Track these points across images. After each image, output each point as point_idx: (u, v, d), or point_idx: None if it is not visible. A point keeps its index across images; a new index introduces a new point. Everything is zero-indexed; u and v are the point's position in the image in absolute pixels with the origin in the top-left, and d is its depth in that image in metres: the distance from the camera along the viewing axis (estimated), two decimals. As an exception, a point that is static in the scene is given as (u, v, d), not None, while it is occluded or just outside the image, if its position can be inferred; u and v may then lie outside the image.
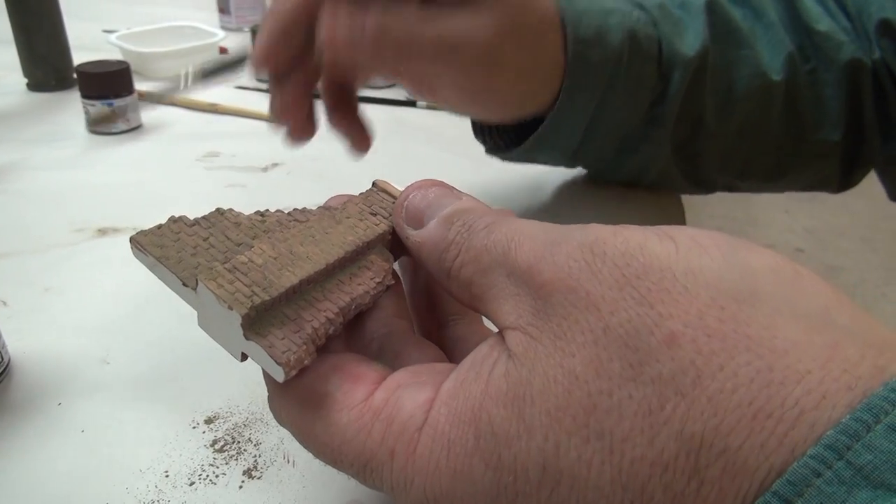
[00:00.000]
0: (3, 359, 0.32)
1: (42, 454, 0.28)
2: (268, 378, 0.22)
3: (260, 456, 0.28)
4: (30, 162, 0.54)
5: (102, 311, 0.37)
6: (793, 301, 0.16)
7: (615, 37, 0.39)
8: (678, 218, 0.50)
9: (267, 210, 0.24)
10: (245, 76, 0.75)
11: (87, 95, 0.59)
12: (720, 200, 2.09)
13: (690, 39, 0.42)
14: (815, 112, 0.44)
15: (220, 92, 0.71)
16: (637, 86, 0.40)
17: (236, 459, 0.28)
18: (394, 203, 0.25)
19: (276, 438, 0.29)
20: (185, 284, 0.21)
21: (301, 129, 0.39)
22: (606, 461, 0.16)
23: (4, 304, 0.37)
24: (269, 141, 0.60)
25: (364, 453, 0.19)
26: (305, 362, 0.19)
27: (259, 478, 0.27)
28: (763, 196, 2.20)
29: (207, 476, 0.27)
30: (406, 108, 0.68)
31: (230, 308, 0.19)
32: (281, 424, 0.22)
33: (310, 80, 0.37)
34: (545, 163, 0.48)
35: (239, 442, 0.29)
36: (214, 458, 0.28)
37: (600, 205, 0.50)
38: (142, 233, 0.22)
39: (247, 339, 0.19)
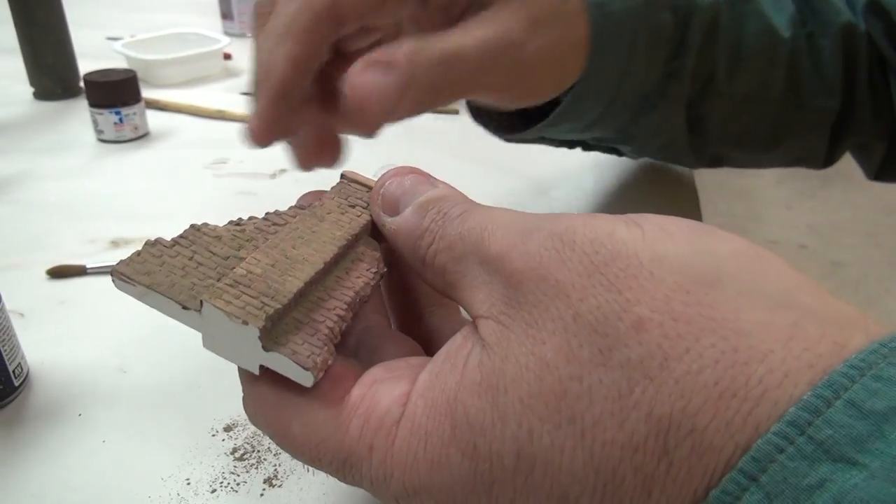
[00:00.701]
0: (22, 369, 0.32)
1: (65, 464, 0.28)
2: (244, 379, 0.22)
3: (280, 465, 0.28)
4: (39, 171, 0.55)
5: (118, 322, 0.37)
6: (756, 283, 0.17)
7: None
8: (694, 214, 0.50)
9: (240, 218, 0.24)
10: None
11: (94, 104, 0.59)
12: (721, 196, 2.10)
13: None
14: (814, 77, 0.43)
15: (226, 98, 0.71)
16: (656, 38, 0.38)
17: (256, 468, 0.28)
18: (368, 192, 0.25)
19: (296, 446, 0.29)
20: (185, 308, 0.20)
21: (329, 160, 0.34)
22: (578, 445, 0.16)
23: (21, 315, 0.37)
24: (277, 147, 0.60)
25: (342, 450, 0.19)
26: (329, 362, 0.20)
27: (280, 486, 0.27)
28: (765, 192, 2.20)
29: (229, 484, 0.27)
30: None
31: (245, 323, 0.19)
32: (257, 427, 0.22)
33: (327, 124, 0.33)
34: (556, 137, 0.45)
35: (258, 451, 0.29)
36: (235, 466, 0.28)
37: (613, 207, 0.50)
38: (122, 263, 0.21)
39: (266, 350, 0.19)
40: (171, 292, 0.20)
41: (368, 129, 0.30)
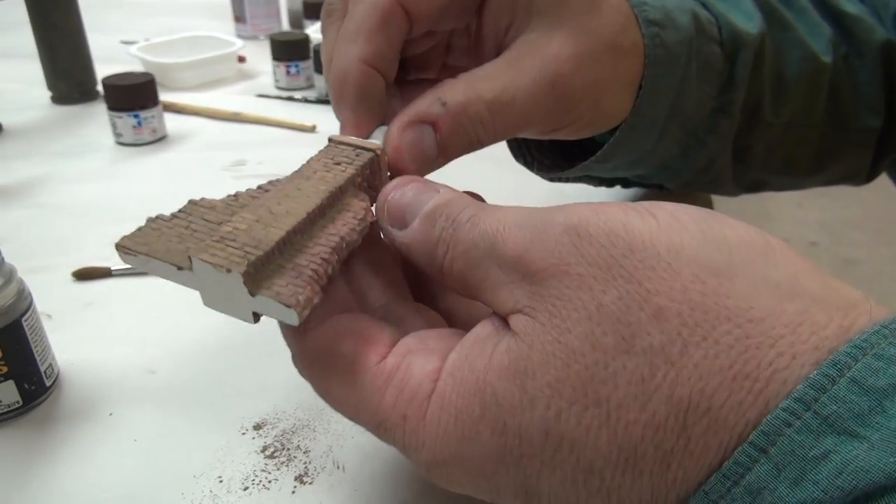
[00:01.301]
0: (53, 370, 0.33)
1: (97, 463, 0.29)
2: (288, 336, 0.23)
3: (310, 462, 0.29)
4: (60, 175, 0.55)
5: (144, 323, 0.38)
6: (766, 272, 0.18)
7: (682, 17, 0.35)
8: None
9: (238, 192, 0.25)
10: (266, 85, 0.76)
11: (113, 108, 0.60)
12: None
13: (745, 19, 0.39)
14: (855, 98, 0.42)
15: (241, 101, 0.72)
16: (706, 70, 0.37)
17: (287, 465, 0.29)
18: (353, 151, 0.26)
19: (325, 445, 0.29)
20: (179, 268, 0.21)
21: None
22: (604, 425, 0.18)
23: (49, 317, 0.38)
24: (294, 148, 0.60)
25: (378, 414, 0.21)
26: (315, 301, 0.20)
27: (310, 483, 0.28)
28: (775, 190, 2.19)
29: (260, 481, 0.28)
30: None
31: (228, 271, 0.20)
32: (304, 378, 0.24)
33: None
34: (602, 175, 0.44)
35: (288, 449, 0.29)
36: (266, 464, 0.29)
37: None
38: (124, 237, 0.22)
39: (253, 295, 0.20)
40: (167, 256, 0.21)
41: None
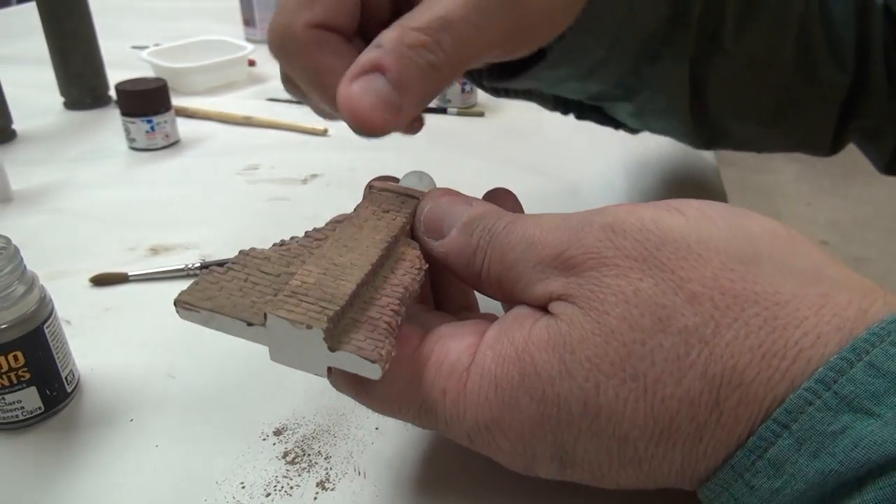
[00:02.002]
0: (74, 376, 0.33)
1: (120, 469, 0.29)
2: None
3: (331, 468, 0.29)
4: (76, 180, 0.56)
5: (162, 328, 0.38)
6: (789, 260, 0.20)
7: None
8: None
9: (283, 240, 0.25)
10: (276, 88, 0.77)
11: (126, 113, 0.60)
12: (742, 194, 2.08)
13: None
14: (825, 46, 0.40)
15: (252, 104, 0.72)
16: None
17: (308, 471, 0.29)
18: (398, 198, 0.27)
19: (345, 451, 0.29)
20: (250, 324, 0.21)
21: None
22: (640, 398, 0.19)
23: (68, 323, 0.38)
24: (306, 152, 0.61)
25: (419, 397, 0.22)
26: (393, 353, 0.21)
27: (332, 489, 0.28)
28: (785, 189, 2.18)
29: (283, 487, 0.28)
30: (437, 115, 0.69)
31: (309, 327, 0.20)
32: (340, 391, 0.25)
33: None
34: (551, 89, 0.40)
35: (309, 455, 0.29)
36: (287, 470, 0.29)
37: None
38: (183, 293, 0.22)
39: (332, 351, 0.20)
40: (235, 312, 0.21)
41: (378, 135, 0.27)
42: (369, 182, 0.28)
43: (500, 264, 0.23)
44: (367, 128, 0.24)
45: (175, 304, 0.22)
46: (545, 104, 0.43)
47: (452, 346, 0.23)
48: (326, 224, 0.26)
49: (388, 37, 0.25)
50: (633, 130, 0.47)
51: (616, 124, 0.46)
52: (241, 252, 0.24)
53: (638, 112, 0.43)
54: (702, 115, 0.42)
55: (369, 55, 0.24)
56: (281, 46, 0.27)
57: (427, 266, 0.25)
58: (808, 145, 0.46)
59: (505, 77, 0.36)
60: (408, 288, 0.23)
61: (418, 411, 0.23)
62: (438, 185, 0.29)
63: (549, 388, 0.20)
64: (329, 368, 0.21)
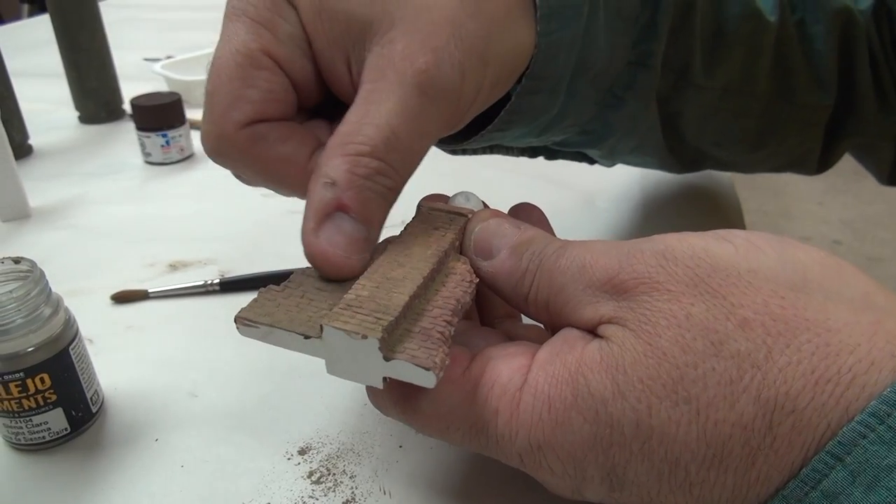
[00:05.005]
0: (98, 396, 0.33)
1: (146, 490, 0.29)
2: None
3: (357, 487, 0.29)
4: (93, 195, 0.56)
5: (184, 346, 0.38)
6: (838, 288, 0.20)
7: None
8: (735, 214, 0.50)
9: None
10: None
11: (142, 128, 0.61)
12: (753, 194, 2.07)
13: None
14: (805, 69, 0.38)
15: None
16: (617, 19, 0.32)
17: (334, 491, 0.29)
18: (447, 216, 0.27)
19: (370, 470, 0.29)
20: (307, 337, 0.22)
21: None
22: (693, 422, 0.19)
23: (91, 342, 0.38)
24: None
25: (470, 416, 0.23)
26: (447, 362, 0.21)
27: (358, 509, 0.28)
28: (797, 188, 2.17)
29: (309, 508, 0.28)
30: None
31: (364, 337, 0.21)
32: (387, 415, 0.25)
33: None
34: (510, 144, 0.37)
35: (334, 474, 0.29)
36: (313, 490, 0.29)
37: (660, 213, 0.50)
38: (243, 310, 0.23)
39: (387, 360, 0.21)
40: (292, 326, 0.22)
41: (352, 276, 0.25)
42: (419, 202, 0.29)
43: (548, 288, 0.24)
44: (344, 272, 0.24)
45: (235, 320, 0.23)
46: (509, 153, 0.40)
47: (504, 366, 0.23)
48: (379, 243, 0.27)
49: (337, 169, 0.23)
50: (609, 164, 0.45)
51: (590, 160, 0.44)
52: (297, 270, 0.25)
53: (608, 153, 0.41)
54: (678, 145, 0.41)
55: (323, 196, 0.23)
56: (219, 153, 0.25)
57: (478, 280, 0.25)
58: (794, 166, 0.45)
59: (457, 140, 0.34)
60: (459, 300, 0.24)
61: (468, 431, 0.23)
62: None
63: (602, 409, 0.20)
64: (384, 379, 0.21)
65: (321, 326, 0.21)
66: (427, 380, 0.20)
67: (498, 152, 0.39)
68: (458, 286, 0.24)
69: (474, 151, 0.37)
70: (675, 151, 0.41)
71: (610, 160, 0.44)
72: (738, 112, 0.40)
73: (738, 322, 0.19)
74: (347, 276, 0.24)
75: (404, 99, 0.23)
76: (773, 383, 0.19)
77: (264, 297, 0.23)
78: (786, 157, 0.44)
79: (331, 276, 0.24)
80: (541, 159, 0.43)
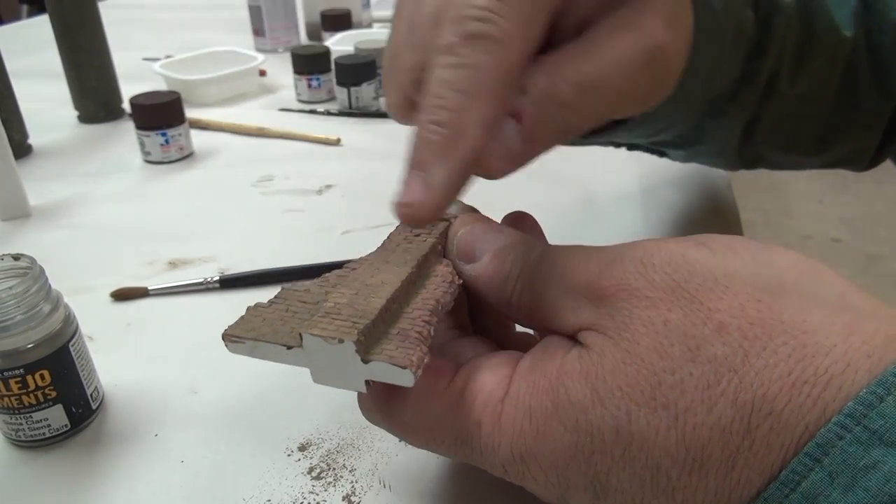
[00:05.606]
0: (98, 392, 0.33)
1: (146, 485, 0.29)
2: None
3: (356, 482, 0.29)
4: (92, 195, 0.56)
5: (184, 343, 0.38)
6: (814, 290, 0.20)
7: None
8: (731, 212, 0.50)
9: (325, 274, 0.26)
10: (288, 98, 0.77)
11: (141, 127, 0.61)
12: (753, 192, 2.07)
13: None
14: (871, 77, 0.40)
15: (265, 115, 0.72)
16: (739, 36, 0.34)
17: (334, 486, 0.29)
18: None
19: (370, 464, 0.30)
20: (289, 347, 0.22)
21: None
22: (672, 427, 0.19)
23: (91, 339, 0.38)
24: (319, 162, 0.61)
25: (454, 428, 0.23)
26: (425, 360, 0.21)
27: (358, 503, 0.28)
28: (796, 186, 2.17)
29: (309, 503, 0.28)
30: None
31: (340, 341, 0.21)
32: (374, 423, 0.25)
33: None
34: (622, 141, 0.41)
35: (334, 469, 0.29)
36: (313, 486, 0.29)
37: (657, 209, 0.50)
38: (230, 327, 0.23)
39: (366, 362, 0.21)
40: (275, 338, 0.22)
41: (492, 177, 0.25)
42: None
43: (530, 292, 0.23)
44: (482, 169, 0.23)
45: (223, 337, 0.23)
46: (601, 145, 0.41)
47: (486, 378, 0.23)
48: (360, 257, 0.27)
49: (536, 84, 0.23)
50: (684, 162, 0.48)
51: (663, 154, 0.47)
52: (283, 287, 0.25)
53: (690, 155, 0.45)
54: (747, 148, 0.43)
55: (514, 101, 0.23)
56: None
57: (461, 281, 0.25)
58: (845, 164, 0.46)
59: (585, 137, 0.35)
60: (439, 300, 0.24)
61: (453, 442, 0.23)
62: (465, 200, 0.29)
63: (582, 417, 0.20)
64: (367, 383, 0.21)
65: (300, 335, 0.21)
66: (405, 379, 0.20)
67: (592, 143, 0.40)
68: (438, 287, 0.24)
69: (585, 144, 0.39)
70: (742, 153, 0.44)
71: (685, 160, 0.46)
72: (805, 117, 0.41)
73: (714, 326, 0.19)
74: (485, 175, 0.23)
75: (631, 58, 0.24)
76: (750, 386, 0.19)
77: (251, 314, 0.24)
78: (842, 156, 0.45)
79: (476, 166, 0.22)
80: (541, 159, 0.43)
